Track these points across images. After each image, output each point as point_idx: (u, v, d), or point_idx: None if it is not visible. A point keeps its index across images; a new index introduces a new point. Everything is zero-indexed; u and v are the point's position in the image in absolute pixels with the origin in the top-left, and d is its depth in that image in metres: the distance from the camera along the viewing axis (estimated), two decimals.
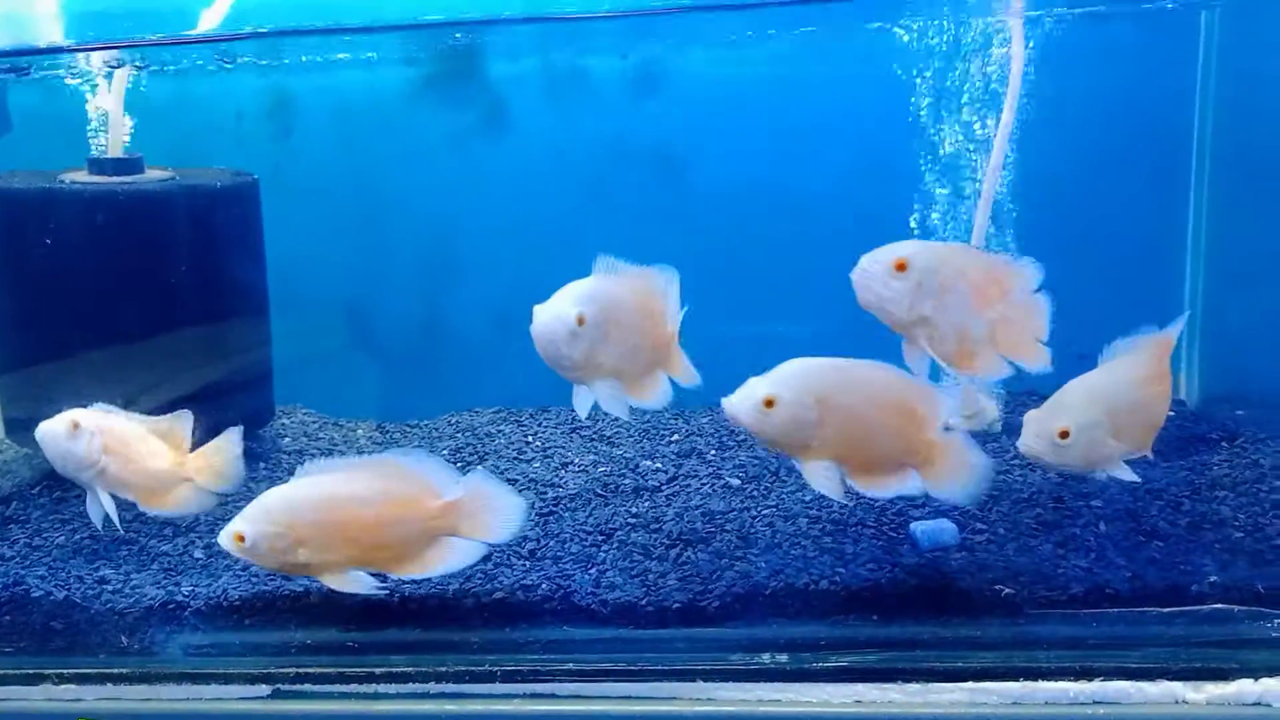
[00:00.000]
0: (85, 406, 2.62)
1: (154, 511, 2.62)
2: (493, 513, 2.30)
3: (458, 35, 2.97)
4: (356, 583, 2.29)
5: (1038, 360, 2.36)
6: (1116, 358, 2.44)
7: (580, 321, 2.27)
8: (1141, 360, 2.44)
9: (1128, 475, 2.38)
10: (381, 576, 2.34)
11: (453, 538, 2.29)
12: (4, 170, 3.29)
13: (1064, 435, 2.30)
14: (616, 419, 3.52)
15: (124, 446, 2.58)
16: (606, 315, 2.31)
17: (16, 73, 3.11)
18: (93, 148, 3.29)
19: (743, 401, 2.21)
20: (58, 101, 3.36)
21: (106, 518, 2.60)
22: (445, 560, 2.29)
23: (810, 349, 2.33)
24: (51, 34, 2.82)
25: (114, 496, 2.59)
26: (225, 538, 2.25)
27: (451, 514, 2.29)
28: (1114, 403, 2.36)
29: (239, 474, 2.63)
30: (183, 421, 2.66)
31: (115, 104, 3.22)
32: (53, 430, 2.54)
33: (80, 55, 2.99)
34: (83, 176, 3.17)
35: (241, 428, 2.65)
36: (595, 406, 2.39)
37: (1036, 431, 2.33)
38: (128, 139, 3.24)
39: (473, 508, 2.29)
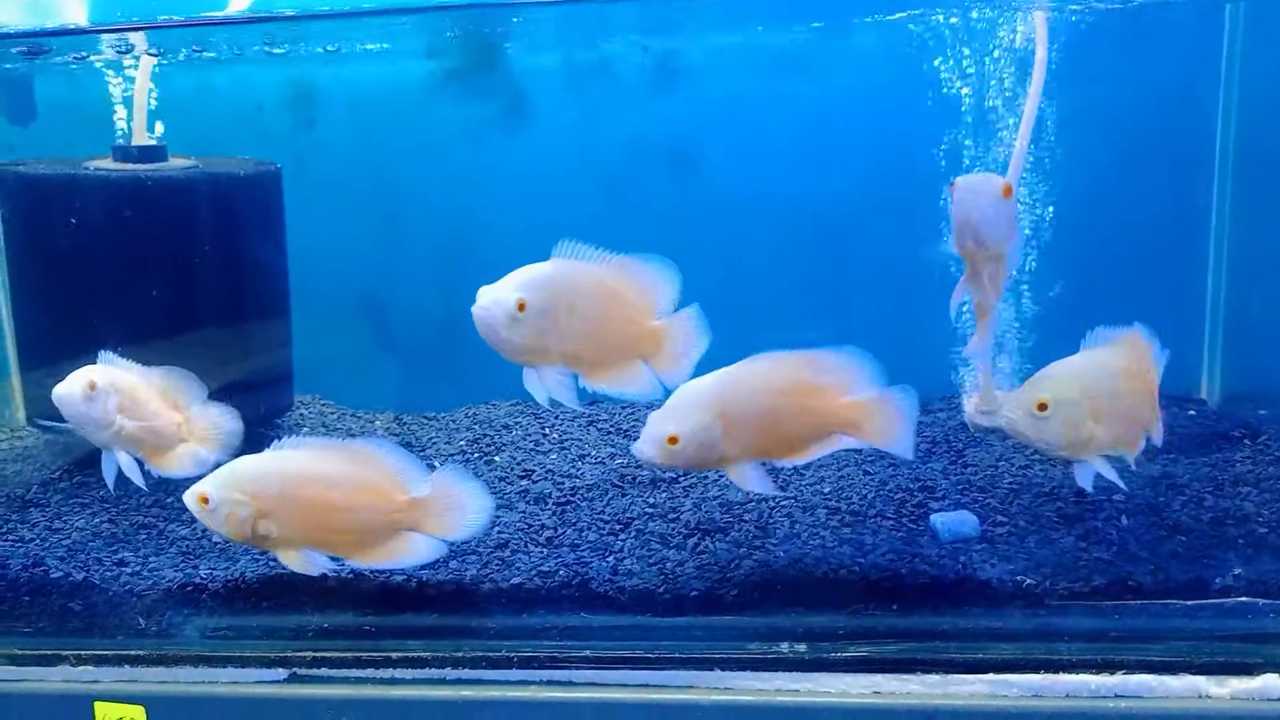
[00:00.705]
0: (94, 360, 2.62)
1: (158, 471, 2.62)
2: (457, 512, 2.32)
3: (486, 27, 2.96)
4: (311, 564, 2.31)
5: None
6: (1098, 345, 2.44)
7: (521, 307, 2.23)
8: (1122, 352, 2.43)
9: (1109, 473, 2.36)
10: (338, 561, 2.35)
11: (414, 533, 2.31)
12: (29, 158, 3.32)
13: (1042, 407, 2.30)
14: (634, 413, 3.56)
15: (135, 405, 2.58)
16: (556, 302, 2.26)
17: (38, 54, 3.12)
18: (118, 135, 3.32)
19: (647, 444, 2.24)
20: (82, 89, 3.39)
21: (119, 478, 2.60)
22: (404, 554, 2.31)
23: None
24: (75, 17, 2.83)
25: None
26: (190, 497, 2.27)
27: (417, 510, 2.31)
28: (1093, 384, 2.35)
29: (235, 442, 2.65)
30: (187, 382, 2.67)
31: (140, 92, 3.23)
32: (69, 393, 2.53)
33: (105, 40, 3.01)
34: (107, 164, 3.19)
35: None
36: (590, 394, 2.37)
37: (1016, 403, 2.33)
38: (160, 129, 3.26)
39: (438, 507, 2.31)
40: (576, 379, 2.34)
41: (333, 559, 2.35)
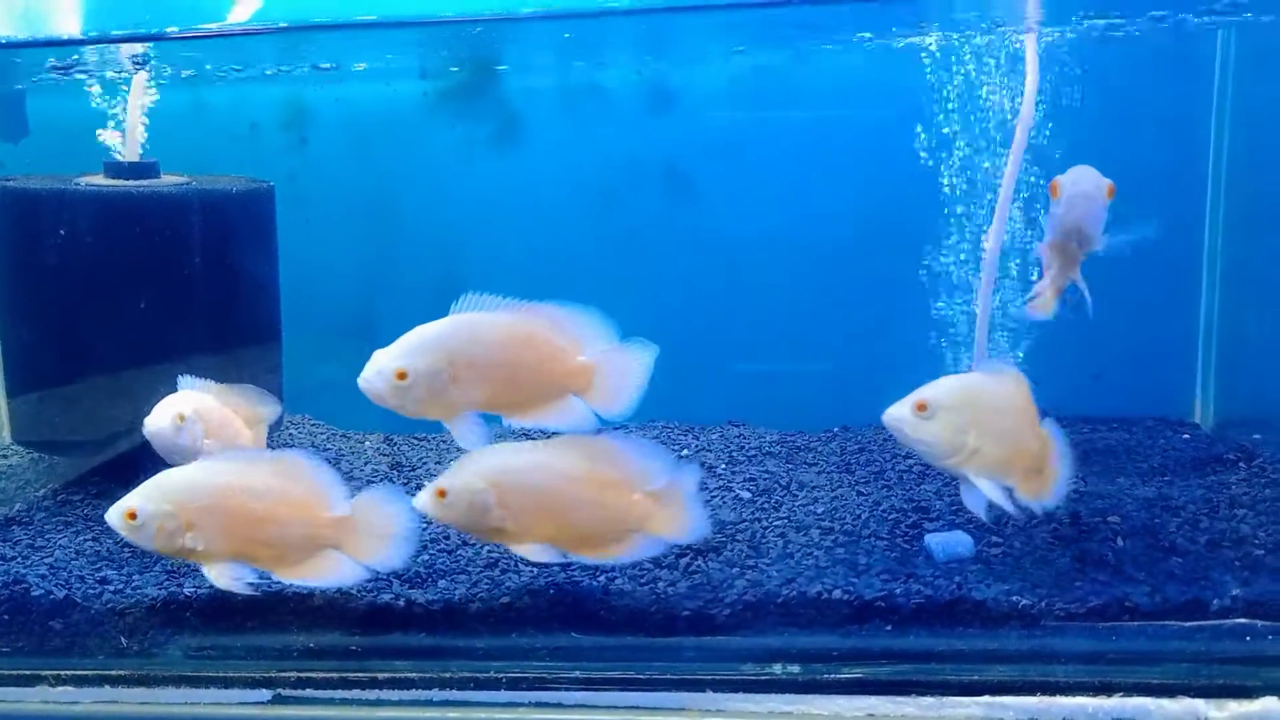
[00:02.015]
0: (174, 386, 2.65)
1: None
2: (377, 539, 2.29)
3: (476, 30, 2.96)
4: (236, 580, 2.29)
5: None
6: (988, 370, 2.45)
7: (401, 376, 2.22)
8: (1009, 381, 2.41)
9: (998, 496, 2.32)
10: (263, 576, 2.33)
11: (337, 552, 2.29)
12: (20, 174, 3.30)
13: (921, 407, 2.29)
14: (627, 433, 3.53)
15: (219, 428, 2.62)
16: (452, 359, 2.24)
17: (70, 69, 3.11)
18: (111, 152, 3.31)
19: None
20: (75, 106, 3.38)
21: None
22: (325, 574, 2.30)
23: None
24: (69, 30, 2.83)
25: None
26: (115, 514, 2.25)
27: (338, 530, 2.29)
28: (976, 400, 2.34)
29: None
30: (261, 398, 2.73)
31: (132, 108, 3.23)
32: (161, 428, 2.54)
33: (99, 56, 3.00)
34: (99, 180, 3.17)
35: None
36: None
37: (901, 403, 2.33)
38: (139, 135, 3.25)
39: (359, 529, 2.29)
40: (499, 420, 2.33)
41: (259, 575, 2.33)
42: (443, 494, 2.22)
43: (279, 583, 2.38)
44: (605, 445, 2.28)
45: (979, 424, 2.31)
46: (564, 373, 2.30)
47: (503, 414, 2.33)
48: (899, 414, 2.31)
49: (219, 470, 2.30)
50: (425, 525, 2.42)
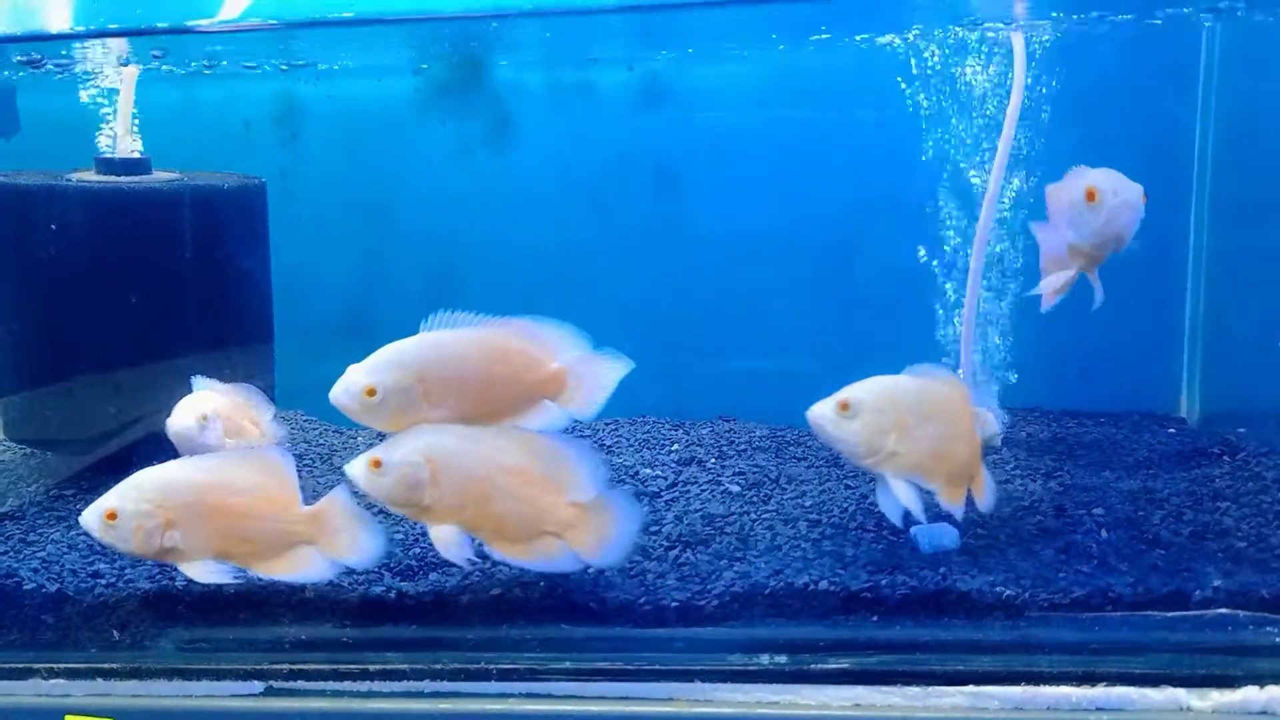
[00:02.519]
0: (189, 386, 2.70)
1: None
2: (349, 535, 2.31)
3: (467, 26, 2.98)
4: (216, 573, 2.30)
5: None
6: (924, 374, 2.45)
7: (370, 393, 2.24)
8: (941, 386, 2.44)
9: (912, 503, 2.33)
10: (240, 571, 2.35)
11: (311, 549, 2.31)
12: (11, 169, 3.31)
13: (844, 406, 2.31)
14: (617, 428, 3.55)
15: (234, 426, 2.68)
16: (422, 375, 2.27)
17: (39, 65, 3.12)
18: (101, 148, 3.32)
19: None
20: (67, 101, 3.38)
21: None
22: (301, 569, 2.31)
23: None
24: (61, 25, 2.84)
25: None
26: (92, 516, 2.25)
27: (313, 525, 2.31)
28: (901, 402, 2.35)
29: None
30: (257, 396, 2.76)
31: (124, 104, 3.24)
32: (187, 428, 2.60)
33: (91, 50, 3.01)
34: (90, 176, 3.18)
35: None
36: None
37: (824, 401, 2.34)
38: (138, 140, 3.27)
39: (333, 524, 2.31)
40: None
41: (236, 572, 2.34)
42: (378, 464, 2.22)
43: (282, 579, 2.39)
44: (549, 444, 2.29)
45: (900, 427, 2.33)
46: (539, 380, 2.35)
47: (480, 422, 2.35)
48: (821, 411, 2.33)
49: (195, 468, 2.32)
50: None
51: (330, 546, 2.32)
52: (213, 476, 2.30)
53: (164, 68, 3.31)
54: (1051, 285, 2.77)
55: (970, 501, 2.46)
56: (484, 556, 2.38)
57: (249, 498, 2.30)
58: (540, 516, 2.27)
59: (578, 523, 2.27)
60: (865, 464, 2.36)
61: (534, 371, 2.34)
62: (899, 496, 2.34)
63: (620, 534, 2.28)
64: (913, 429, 2.35)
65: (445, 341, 2.32)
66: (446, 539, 2.26)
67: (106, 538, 2.27)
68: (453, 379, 2.30)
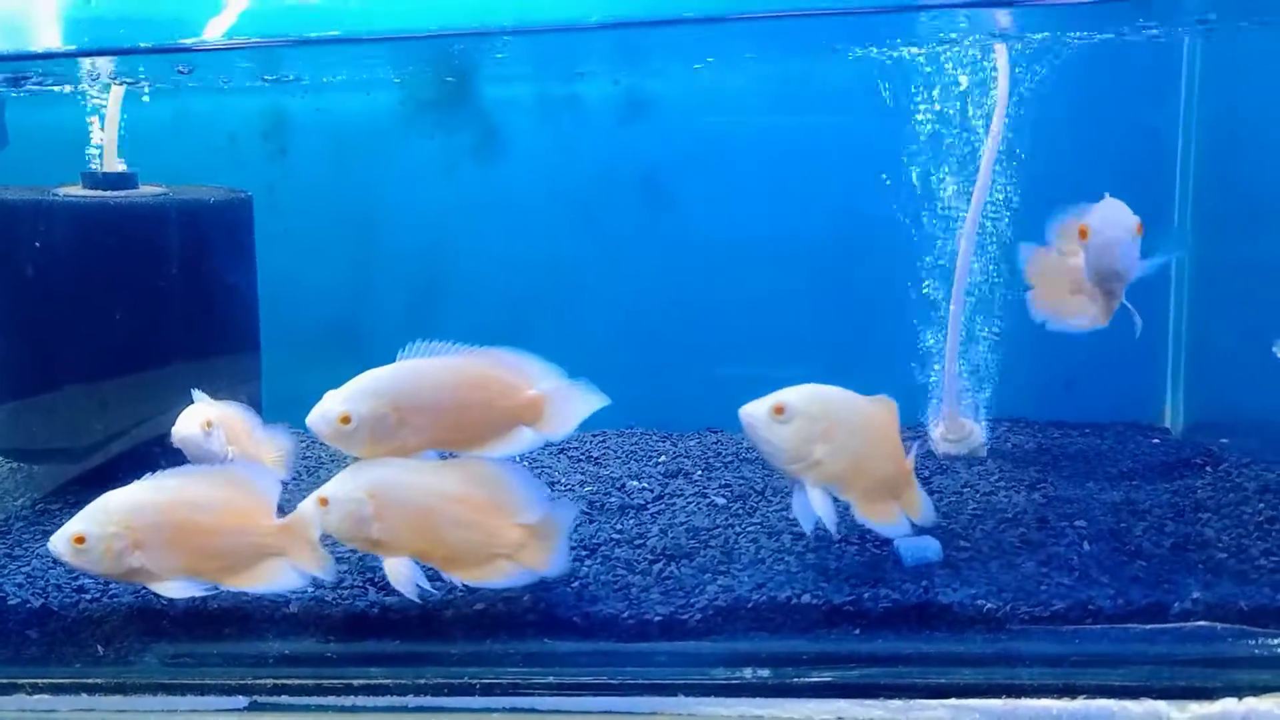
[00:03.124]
0: (190, 399, 2.72)
1: None
2: (320, 546, 2.33)
3: (453, 46, 2.99)
4: (186, 589, 2.30)
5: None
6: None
7: (345, 420, 2.26)
8: (875, 403, 2.46)
9: (825, 510, 2.34)
10: (212, 586, 2.36)
11: (281, 560, 2.32)
12: None
13: (778, 411, 2.32)
14: (604, 440, 3.56)
15: (237, 437, 2.70)
16: (397, 403, 2.29)
17: (21, 81, 3.13)
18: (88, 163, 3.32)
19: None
20: (53, 117, 3.39)
21: None
22: (272, 580, 2.32)
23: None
24: (49, 43, 2.85)
25: None
26: (60, 541, 2.25)
27: (284, 537, 2.32)
28: (833, 413, 2.37)
29: (294, 460, 2.80)
30: (246, 411, 2.78)
31: (110, 120, 3.24)
32: (193, 434, 2.61)
33: (82, 66, 3.02)
34: (77, 190, 3.19)
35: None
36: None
37: (759, 402, 2.36)
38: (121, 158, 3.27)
39: (305, 536, 2.32)
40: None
41: (208, 587, 2.35)
42: (324, 502, 2.26)
43: (253, 591, 2.40)
44: (488, 471, 2.33)
45: (829, 437, 2.35)
46: (516, 407, 2.38)
47: (453, 450, 2.40)
48: (755, 412, 2.34)
49: (162, 487, 2.32)
50: None
51: (301, 558, 2.33)
52: (179, 495, 2.31)
53: (127, 81, 3.30)
54: (1061, 316, 2.79)
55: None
56: (436, 579, 2.39)
57: (215, 514, 2.30)
58: (490, 541, 2.30)
59: (527, 542, 2.31)
60: (788, 470, 2.38)
61: (510, 398, 2.38)
62: (814, 505, 2.35)
63: (562, 552, 2.34)
64: (840, 441, 2.36)
65: (421, 369, 2.34)
66: (395, 572, 2.30)
67: (76, 562, 2.27)
68: (428, 406, 2.33)
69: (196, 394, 2.76)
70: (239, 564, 2.32)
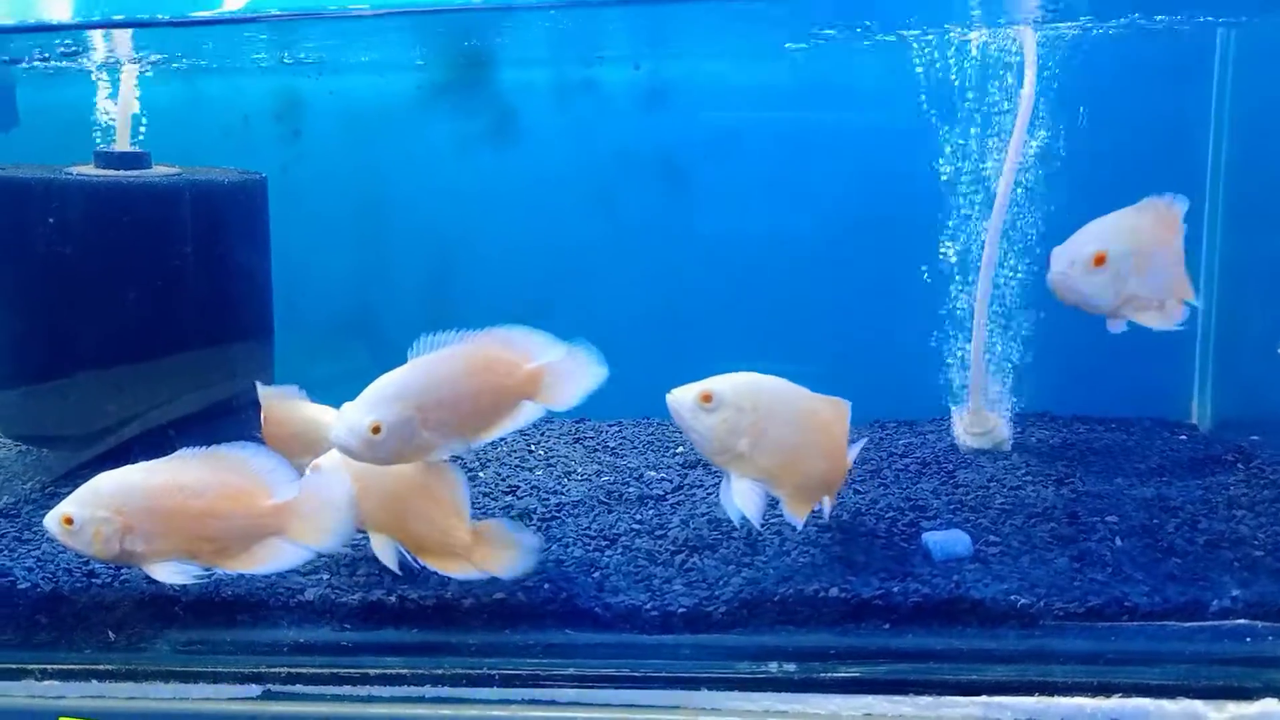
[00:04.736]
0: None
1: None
2: (323, 519, 2.28)
3: (471, 20, 2.94)
4: (180, 573, 2.27)
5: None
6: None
7: (376, 430, 2.21)
8: (815, 401, 2.41)
9: (750, 501, 2.29)
10: (207, 570, 2.32)
11: (280, 539, 2.28)
12: (9, 163, 3.26)
13: (705, 399, 2.26)
14: (621, 430, 3.51)
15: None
16: (420, 405, 2.24)
17: (15, 63, 3.09)
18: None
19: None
20: (64, 96, 3.35)
21: None
22: (269, 561, 2.28)
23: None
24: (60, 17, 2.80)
25: None
26: (52, 520, 2.23)
27: (282, 515, 2.28)
28: (762, 404, 2.30)
29: None
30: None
31: (124, 99, 3.20)
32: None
33: (95, 44, 2.97)
34: (90, 170, 3.14)
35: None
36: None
37: (687, 387, 2.30)
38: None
39: (304, 511, 2.28)
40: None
41: (204, 570, 2.32)
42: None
43: (267, 577, 2.36)
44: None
45: (757, 430, 2.29)
46: (518, 384, 2.35)
47: (467, 438, 2.34)
48: (682, 399, 2.28)
49: (154, 470, 2.28)
50: None
51: (301, 534, 2.28)
52: (171, 479, 2.26)
53: (153, 57, 3.25)
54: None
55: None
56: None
57: (208, 497, 2.26)
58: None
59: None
60: (713, 460, 2.33)
61: (513, 375, 2.35)
62: (737, 496, 2.30)
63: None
64: (768, 434, 2.30)
65: (433, 365, 2.29)
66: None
67: (68, 542, 2.24)
68: (447, 400, 2.28)
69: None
70: (235, 546, 2.27)
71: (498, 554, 2.32)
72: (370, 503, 2.32)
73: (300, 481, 2.29)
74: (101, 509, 2.22)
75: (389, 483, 2.32)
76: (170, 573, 2.26)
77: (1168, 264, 2.61)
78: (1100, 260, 2.50)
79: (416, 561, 2.37)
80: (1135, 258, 2.51)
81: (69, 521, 2.21)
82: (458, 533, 2.32)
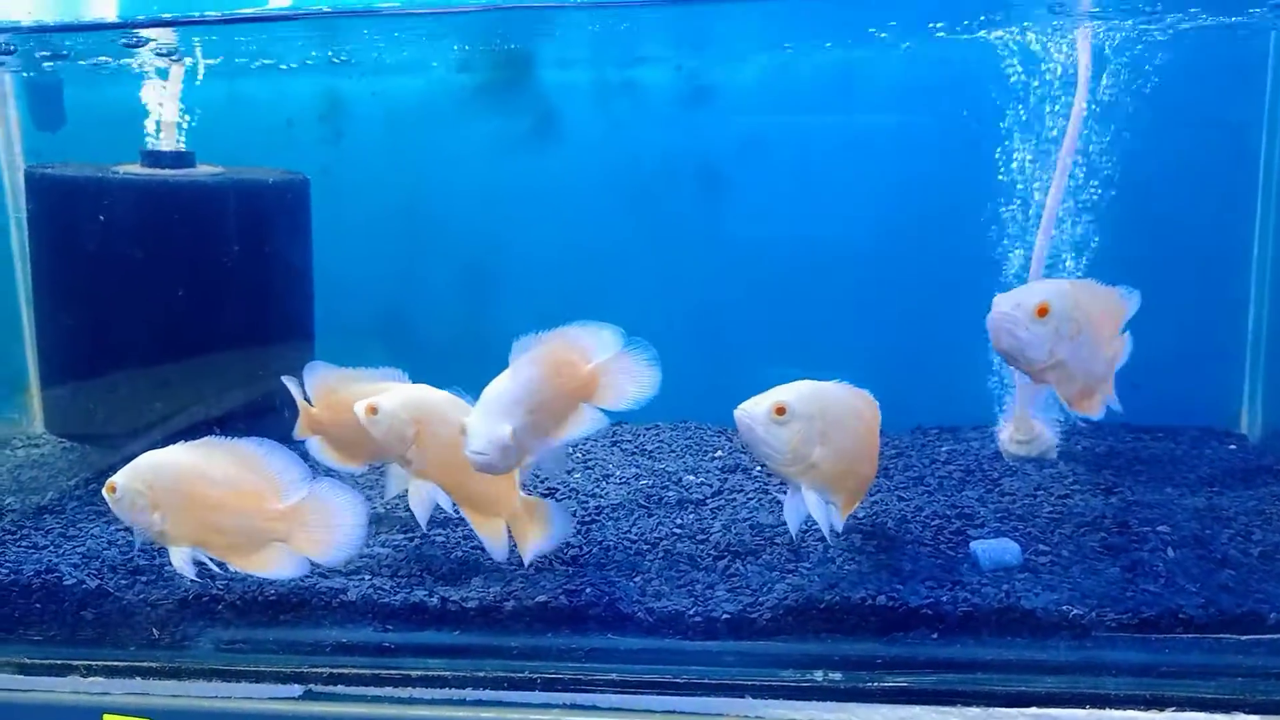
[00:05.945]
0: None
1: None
2: (326, 530, 2.29)
3: (512, 19, 2.93)
4: (188, 566, 2.29)
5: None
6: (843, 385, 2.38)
7: (512, 437, 2.19)
8: (859, 400, 2.38)
9: (797, 512, 2.29)
10: (222, 566, 2.35)
11: (281, 545, 2.29)
12: (57, 161, 3.30)
13: (780, 412, 2.23)
14: (658, 433, 3.49)
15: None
16: (531, 409, 2.23)
17: (60, 58, 3.11)
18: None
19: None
20: (111, 95, 3.37)
21: None
22: (272, 566, 2.29)
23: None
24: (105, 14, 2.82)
25: None
26: (106, 486, 2.29)
27: (285, 521, 2.28)
28: (830, 413, 2.28)
29: None
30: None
31: (170, 99, 3.22)
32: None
33: (136, 49, 2.99)
34: (136, 169, 3.16)
35: None
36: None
37: (754, 403, 2.26)
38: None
39: (308, 520, 2.28)
40: None
41: (218, 564, 2.34)
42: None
43: (309, 577, 2.35)
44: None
45: (826, 438, 2.27)
46: (578, 386, 2.34)
47: (549, 442, 2.31)
48: (754, 413, 2.24)
49: (185, 454, 2.31)
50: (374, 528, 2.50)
51: (303, 544, 2.29)
52: (197, 465, 2.29)
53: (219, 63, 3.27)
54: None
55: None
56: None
57: (223, 490, 2.28)
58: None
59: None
60: (785, 472, 2.29)
61: (574, 378, 2.33)
62: (809, 506, 2.28)
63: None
64: (836, 442, 2.28)
65: (527, 369, 2.26)
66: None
67: (114, 509, 2.30)
68: (545, 403, 2.27)
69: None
70: (243, 544, 2.29)
71: (536, 531, 2.34)
72: (432, 450, 2.32)
73: (309, 486, 2.29)
74: (137, 481, 2.27)
75: (455, 434, 2.25)
76: (182, 560, 2.29)
77: (1099, 349, 2.53)
78: (1043, 311, 2.39)
79: (456, 511, 2.38)
80: (1073, 325, 2.42)
81: (112, 489, 2.27)
82: (510, 497, 2.34)
